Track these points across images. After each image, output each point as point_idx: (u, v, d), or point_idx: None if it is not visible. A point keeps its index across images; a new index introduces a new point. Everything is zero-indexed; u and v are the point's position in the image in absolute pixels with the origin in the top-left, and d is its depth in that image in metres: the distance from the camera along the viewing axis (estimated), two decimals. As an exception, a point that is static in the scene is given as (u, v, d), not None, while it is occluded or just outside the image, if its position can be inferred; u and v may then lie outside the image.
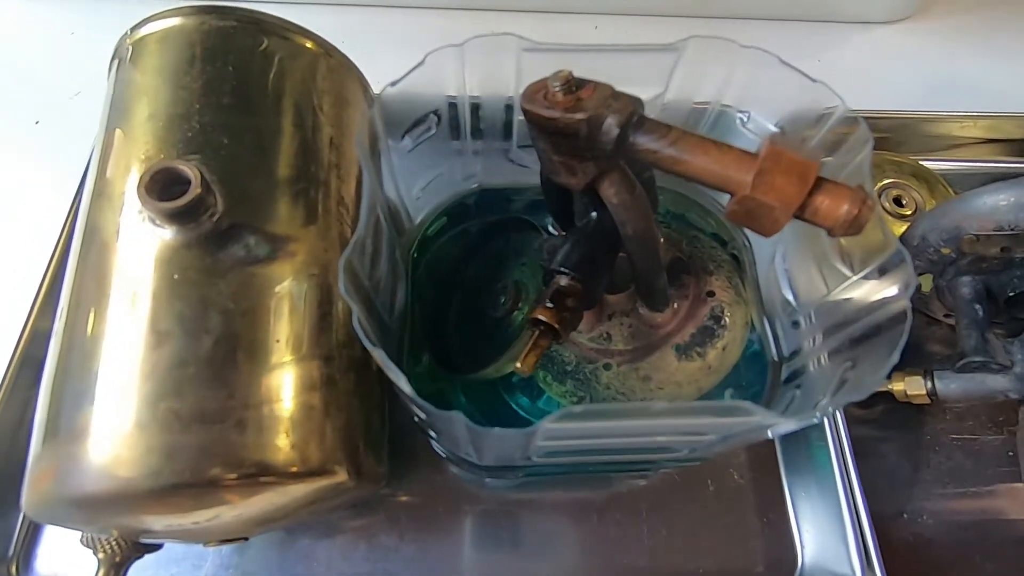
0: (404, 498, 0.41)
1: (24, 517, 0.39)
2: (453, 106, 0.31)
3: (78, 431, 0.24)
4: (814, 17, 0.62)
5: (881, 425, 0.44)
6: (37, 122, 0.54)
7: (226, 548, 0.38)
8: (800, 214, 0.23)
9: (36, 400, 0.39)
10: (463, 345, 0.38)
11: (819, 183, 0.23)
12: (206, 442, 0.24)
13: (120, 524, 0.26)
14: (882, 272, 0.24)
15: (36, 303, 0.42)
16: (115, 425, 0.24)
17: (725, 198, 0.38)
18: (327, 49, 0.37)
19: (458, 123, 0.32)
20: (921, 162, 0.51)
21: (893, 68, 0.60)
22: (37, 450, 0.25)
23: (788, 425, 0.21)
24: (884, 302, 0.23)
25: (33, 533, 0.39)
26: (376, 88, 0.40)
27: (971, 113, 0.53)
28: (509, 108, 0.32)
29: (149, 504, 0.24)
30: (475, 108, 0.32)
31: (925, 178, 0.51)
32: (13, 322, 0.41)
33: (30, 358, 0.40)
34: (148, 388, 0.24)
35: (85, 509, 0.24)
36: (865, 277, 0.25)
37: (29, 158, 0.52)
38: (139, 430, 0.23)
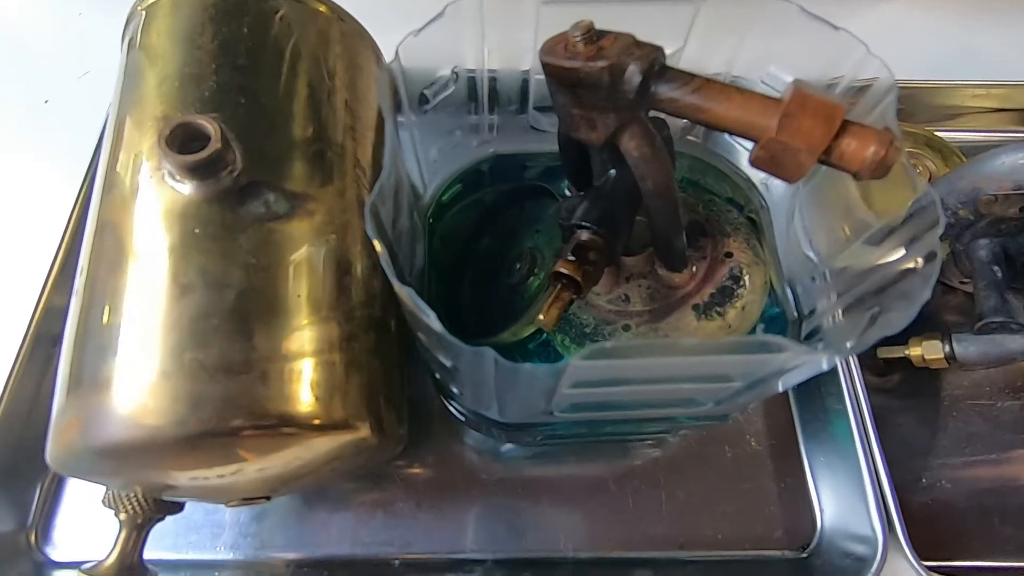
0: (420, 468, 0.41)
1: (42, 488, 0.39)
2: (471, 71, 0.30)
3: (103, 382, 0.24)
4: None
5: (898, 393, 0.44)
6: (46, 101, 0.54)
7: (244, 516, 0.38)
8: (826, 158, 0.23)
9: (51, 374, 0.39)
10: (478, 312, 0.38)
11: (845, 125, 0.23)
12: (232, 392, 0.24)
13: (145, 477, 0.26)
14: (910, 216, 0.24)
15: (49, 279, 0.42)
16: (141, 375, 0.23)
17: (742, 162, 0.38)
18: (340, 14, 0.37)
19: (475, 84, 0.32)
20: (935, 132, 0.51)
21: (905, 39, 0.59)
22: (61, 402, 0.25)
23: (819, 362, 0.21)
24: (913, 244, 0.23)
25: (51, 503, 0.39)
26: (389, 57, 0.40)
27: (985, 82, 0.52)
28: (526, 72, 0.32)
29: (175, 454, 0.24)
30: (492, 75, 0.31)
31: (939, 148, 0.51)
32: (27, 299, 0.42)
33: (44, 334, 0.41)
34: (173, 339, 0.24)
35: (111, 459, 0.24)
36: (891, 223, 0.25)
37: (39, 137, 0.52)
38: (165, 379, 0.23)
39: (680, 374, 0.23)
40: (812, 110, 0.23)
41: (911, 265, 0.23)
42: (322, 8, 0.36)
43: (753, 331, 0.34)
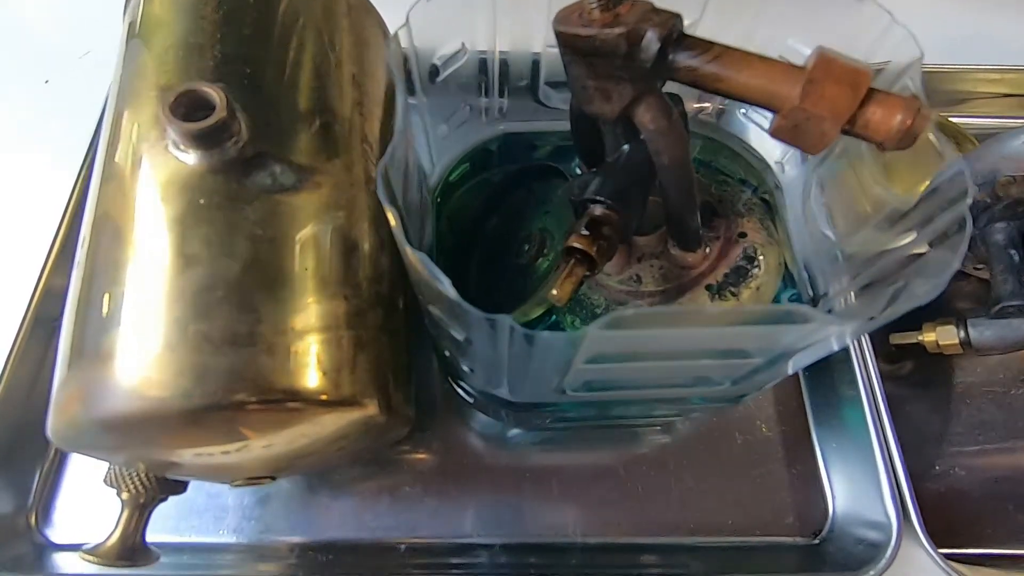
0: (426, 453, 0.40)
1: (42, 470, 0.38)
2: (482, 52, 0.30)
3: (105, 354, 0.23)
4: (835, -25, 0.60)
5: (910, 380, 0.44)
6: (47, 81, 0.53)
7: (248, 499, 0.38)
8: (850, 127, 0.22)
9: (51, 356, 0.39)
10: (486, 292, 0.37)
11: (870, 93, 0.22)
12: (237, 365, 0.23)
13: (148, 452, 0.26)
14: (935, 187, 0.23)
15: (49, 260, 0.42)
16: (144, 347, 0.23)
17: (755, 141, 0.38)
18: (346, -12, 0.36)
19: (486, 61, 0.31)
20: (948, 118, 0.50)
21: (918, 23, 0.58)
22: (62, 374, 0.24)
23: (843, 335, 0.20)
24: (939, 216, 0.22)
25: (52, 485, 0.38)
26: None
27: (998, 67, 0.52)
28: (537, 53, 0.31)
29: (179, 428, 0.23)
30: (504, 55, 0.31)
31: (952, 133, 0.50)
32: (26, 280, 0.41)
33: (43, 316, 0.40)
34: (177, 311, 0.23)
35: (114, 432, 0.23)
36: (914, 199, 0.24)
37: (40, 116, 0.51)
38: (169, 352, 0.23)
39: (700, 347, 0.22)
40: (837, 75, 0.22)
41: (930, 245, 0.22)
42: (328, -19, 0.35)
43: (767, 312, 0.33)
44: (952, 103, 0.52)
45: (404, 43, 0.25)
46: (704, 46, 0.24)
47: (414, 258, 0.19)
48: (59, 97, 0.52)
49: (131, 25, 0.33)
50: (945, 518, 0.38)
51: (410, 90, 0.30)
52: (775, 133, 0.24)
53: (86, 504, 0.38)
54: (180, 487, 0.31)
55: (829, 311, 0.30)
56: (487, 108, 0.36)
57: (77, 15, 0.56)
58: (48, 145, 0.50)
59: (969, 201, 0.21)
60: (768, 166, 0.37)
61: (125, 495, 0.29)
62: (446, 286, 0.19)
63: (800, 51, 0.30)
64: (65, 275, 0.41)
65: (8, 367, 0.37)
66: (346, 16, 0.35)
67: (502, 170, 0.40)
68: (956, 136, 0.50)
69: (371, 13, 0.37)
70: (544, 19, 0.30)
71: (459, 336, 0.24)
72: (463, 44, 0.30)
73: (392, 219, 0.20)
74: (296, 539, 0.37)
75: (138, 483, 0.29)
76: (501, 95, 0.35)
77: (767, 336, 0.20)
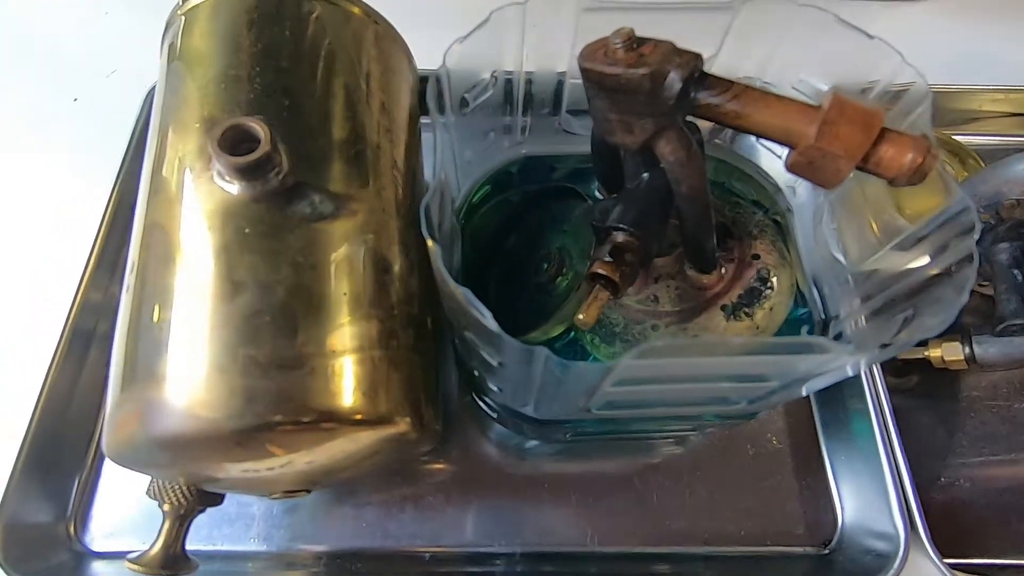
0: (448, 463, 0.41)
1: (79, 479, 0.40)
2: (509, 74, 0.31)
3: (160, 376, 0.24)
4: (840, -5, 0.62)
5: (916, 394, 0.45)
6: (75, 99, 0.54)
7: (277, 508, 0.39)
8: (863, 164, 0.24)
9: (88, 369, 0.40)
10: (506, 312, 0.39)
11: (883, 133, 0.23)
12: (284, 387, 0.24)
13: (199, 468, 0.27)
14: (943, 222, 0.24)
15: (85, 276, 0.43)
16: (197, 370, 0.24)
17: (766, 164, 0.39)
18: (374, 17, 0.37)
19: (511, 86, 0.33)
20: (952, 136, 0.52)
21: (918, 44, 0.59)
22: (116, 395, 0.26)
23: (857, 364, 0.22)
24: (947, 249, 0.24)
25: (89, 494, 0.40)
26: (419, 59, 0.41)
27: (1002, 87, 0.53)
28: (562, 73, 0.33)
29: (229, 446, 0.24)
30: (529, 77, 0.32)
31: (956, 151, 0.51)
32: (63, 295, 0.42)
33: (80, 329, 0.42)
34: (227, 335, 0.25)
35: (169, 450, 0.25)
36: (923, 228, 0.26)
37: (70, 135, 0.53)
38: (220, 374, 0.24)
39: (722, 372, 0.23)
40: (851, 117, 0.23)
41: (940, 271, 0.24)
42: (356, 10, 0.36)
43: (780, 332, 0.35)
44: (956, 122, 0.54)
45: (441, 80, 0.27)
46: (724, 85, 0.26)
47: (457, 292, 0.21)
48: (88, 115, 0.54)
49: (171, 47, 0.35)
50: (951, 529, 0.39)
51: (442, 117, 0.31)
52: (791, 168, 0.25)
53: (122, 512, 0.39)
54: (218, 499, 0.32)
55: (840, 334, 0.32)
56: (510, 131, 0.37)
57: (103, 35, 0.58)
58: (79, 163, 0.51)
59: (976, 236, 0.23)
60: (779, 189, 0.38)
61: (167, 507, 0.31)
62: (488, 320, 0.20)
63: (813, 84, 0.31)
64: (101, 290, 0.43)
65: (47, 380, 0.38)
66: (374, 45, 0.36)
67: (521, 190, 0.41)
68: (960, 155, 0.51)
69: (396, 41, 0.39)
70: (568, 48, 0.31)
71: (492, 361, 0.25)
72: (492, 75, 0.31)
73: (436, 259, 0.21)
74: (323, 548, 0.39)
75: (179, 495, 0.30)
76: (524, 121, 0.37)
77: (787, 363, 0.22)
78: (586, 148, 0.33)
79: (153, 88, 0.48)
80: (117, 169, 0.46)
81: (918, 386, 0.45)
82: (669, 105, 0.25)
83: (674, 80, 0.25)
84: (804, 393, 0.28)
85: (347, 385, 0.26)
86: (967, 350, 0.40)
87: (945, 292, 0.23)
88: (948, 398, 0.45)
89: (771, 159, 0.38)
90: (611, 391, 0.25)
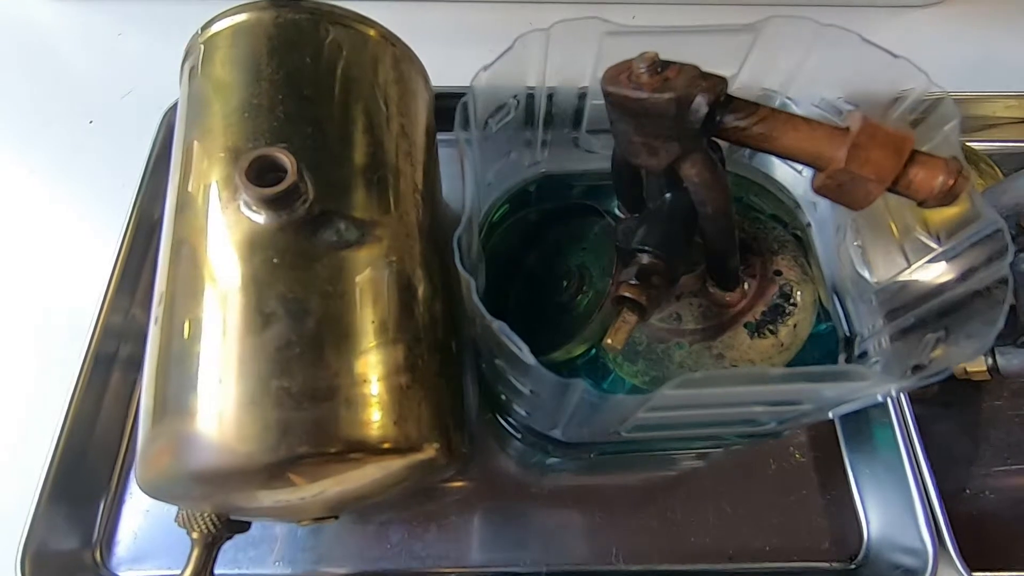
0: (470, 482, 0.41)
1: (104, 505, 0.40)
2: (531, 91, 0.31)
3: (192, 409, 0.25)
4: (848, 3, 0.62)
5: (939, 403, 0.45)
6: (91, 121, 0.55)
7: (301, 531, 0.39)
8: (893, 187, 0.24)
9: (111, 393, 0.40)
10: (526, 330, 0.39)
11: (913, 155, 0.23)
12: (318, 418, 0.24)
13: (233, 500, 0.27)
14: (974, 242, 0.24)
15: (106, 300, 0.43)
16: (230, 403, 0.24)
17: (781, 175, 0.39)
18: (391, 40, 0.37)
19: (533, 108, 0.33)
20: (967, 143, 0.52)
21: (928, 51, 0.59)
22: (148, 428, 0.26)
23: (896, 388, 0.22)
24: (977, 270, 0.24)
25: (114, 519, 0.40)
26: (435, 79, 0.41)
27: (1016, 93, 0.53)
28: (583, 96, 0.33)
29: (265, 478, 0.24)
30: (551, 93, 0.32)
31: (971, 158, 0.51)
32: (82, 319, 0.42)
33: (102, 354, 0.41)
34: (259, 368, 0.25)
35: (204, 483, 0.25)
36: (953, 248, 0.26)
37: (85, 156, 0.53)
38: (254, 407, 0.24)
39: (756, 399, 0.23)
40: (881, 141, 0.23)
41: (971, 291, 0.23)
42: (372, 33, 0.37)
43: (803, 348, 0.34)
44: (972, 129, 0.54)
45: (468, 108, 0.27)
46: (750, 108, 0.26)
47: (493, 326, 0.21)
48: (103, 137, 0.54)
49: (191, 74, 0.35)
50: (976, 541, 0.39)
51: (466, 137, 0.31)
52: (819, 190, 0.25)
53: (147, 537, 0.39)
54: (245, 526, 0.32)
55: (864, 352, 0.32)
56: (530, 146, 0.37)
57: (118, 56, 0.58)
58: (95, 185, 0.51)
59: (1009, 259, 0.22)
60: (798, 204, 0.38)
61: (195, 535, 0.31)
62: (525, 354, 0.20)
63: (834, 102, 0.31)
64: (121, 312, 0.43)
65: (72, 405, 0.39)
66: (393, 68, 0.37)
67: (539, 208, 0.41)
68: (976, 162, 0.51)
69: (414, 62, 0.39)
70: (591, 69, 0.31)
71: (523, 389, 0.25)
72: (515, 98, 0.31)
73: (471, 293, 0.21)
74: (348, 569, 0.39)
75: (208, 523, 0.30)
76: (544, 137, 0.37)
77: (820, 390, 0.22)
78: (604, 165, 0.33)
79: (169, 109, 0.48)
80: (135, 191, 0.46)
81: (940, 395, 0.45)
82: (694, 129, 0.25)
83: (700, 104, 0.25)
84: (830, 416, 0.28)
85: (380, 415, 0.26)
86: (990, 361, 0.40)
87: (979, 313, 0.23)
88: (970, 408, 0.44)
89: (788, 172, 0.38)
90: (643, 416, 0.25)
